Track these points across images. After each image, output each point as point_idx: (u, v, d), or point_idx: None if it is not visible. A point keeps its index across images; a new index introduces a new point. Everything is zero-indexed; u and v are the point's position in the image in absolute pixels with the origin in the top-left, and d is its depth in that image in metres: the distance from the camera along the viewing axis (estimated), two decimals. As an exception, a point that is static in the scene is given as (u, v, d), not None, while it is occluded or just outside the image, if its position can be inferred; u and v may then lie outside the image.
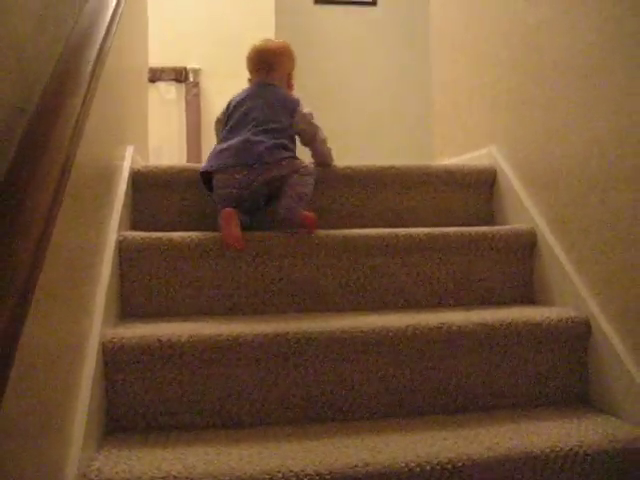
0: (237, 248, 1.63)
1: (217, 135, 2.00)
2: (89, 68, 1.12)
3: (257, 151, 1.74)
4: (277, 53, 2.06)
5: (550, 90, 1.73)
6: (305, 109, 1.92)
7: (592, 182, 1.54)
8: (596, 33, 1.51)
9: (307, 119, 1.91)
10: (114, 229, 1.61)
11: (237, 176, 1.73)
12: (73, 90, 1.03)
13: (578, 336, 1.53)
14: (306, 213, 1.69)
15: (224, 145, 1.80)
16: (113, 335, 1.37)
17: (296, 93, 2.05)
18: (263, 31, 4.07)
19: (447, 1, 2.57)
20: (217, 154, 1.80)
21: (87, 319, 1.30)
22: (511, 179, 1.95)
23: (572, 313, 1.54)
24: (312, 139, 1.93)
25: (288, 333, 1.41)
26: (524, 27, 1.88)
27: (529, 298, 1.80)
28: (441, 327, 1.46)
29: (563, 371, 1.54)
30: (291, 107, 1.89)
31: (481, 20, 2.21)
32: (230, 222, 1.63)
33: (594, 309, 1.51)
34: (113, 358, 1.36)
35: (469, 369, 1.50)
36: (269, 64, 2.03)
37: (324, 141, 1.95)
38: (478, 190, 2.06)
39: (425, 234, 1.74)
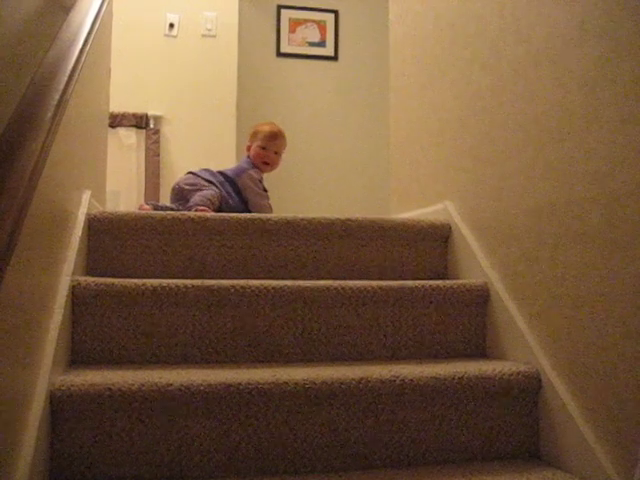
0: None
1: None
2: (50, 114, 1.13)
3: None
4: None
5: (502, 150, 1.79)
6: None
7: (542, 239, 1.58)
8: (549, 102, 1.57)
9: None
10: (68, 274, 1.59)
11: None
12: (33, 135, 1.03)
13: (529, 390, 1.55)
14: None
15: None
16: (61, 383, 1.34)
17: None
18: (225, 81, 4.14)
19: (406, 60, 2.65)
20: None
21: (35, 365, 1.28)
22: (465, 234, 1.99)
23: (523, 367, 1.56)
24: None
25: (240, 384, 1.39)
26: (477, 89, 1.94)
27: (482, 352, 1.82)
28: (394, 380, 1.47)
29: (514, 425, 1.55)
30: None
31: (437, 81, 2.28)
32: None
33: (544, 363, 1.54)
34: (61, 406, 1.33)
35: (421, 422, 1.50)
36: None
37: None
38: (433, 244, 2.09)
39: (380, 287, 1.76)
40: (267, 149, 2.98)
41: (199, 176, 2.77)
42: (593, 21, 1.40)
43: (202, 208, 2.54)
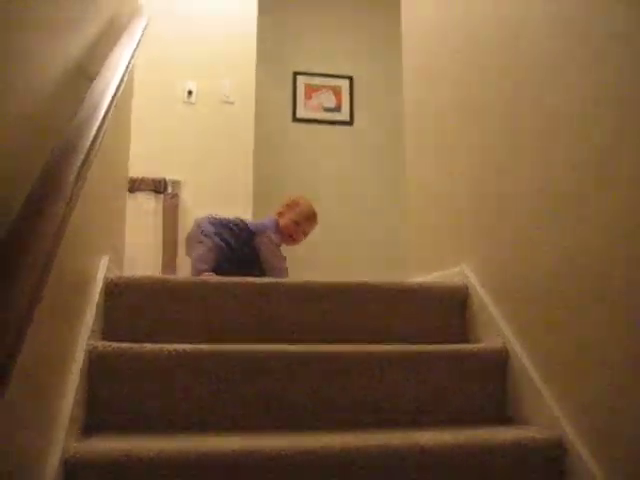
0: None
1: None
2: (73, 178, 1.14)
3: None
4: None
5: (517, 213, 1.79)
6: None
7: (560, 301, 1.57)
8: (565, 166, 1.58)
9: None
10: (84, 338, 1.59)
11: None
12: (56, 197, 1.04)
13: (553, 458, 1.50)
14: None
15: None
16: (76, 450, 1.32)
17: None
18: (242, 146, 4.20)
19: (421, 126, 2.68)
20: None
21: (50, 431, 1.26)
22: (482, 296, 1.97)
23: (546, 434, 1.52)
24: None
25: (260, 452, 1.37)
26: (492, 153, 1.96)
27: (503, 415, 1.78)
28: (414, 447, 1.44)
29: (539, 494, 1.50)
30: None
31: (453, 145, 2.30)
32: None
33: (568, 429, 1.50)
34: (76, 474, 1.30)
35: (443, 491, 1.46)
36: None
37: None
38: (451, 307, 2.07)
39: (398, 351, 1.74)
40: (300, 226, 2.95)
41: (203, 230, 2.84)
42: (610, 87, 1.41)
43: (208, 274, 2.53)
